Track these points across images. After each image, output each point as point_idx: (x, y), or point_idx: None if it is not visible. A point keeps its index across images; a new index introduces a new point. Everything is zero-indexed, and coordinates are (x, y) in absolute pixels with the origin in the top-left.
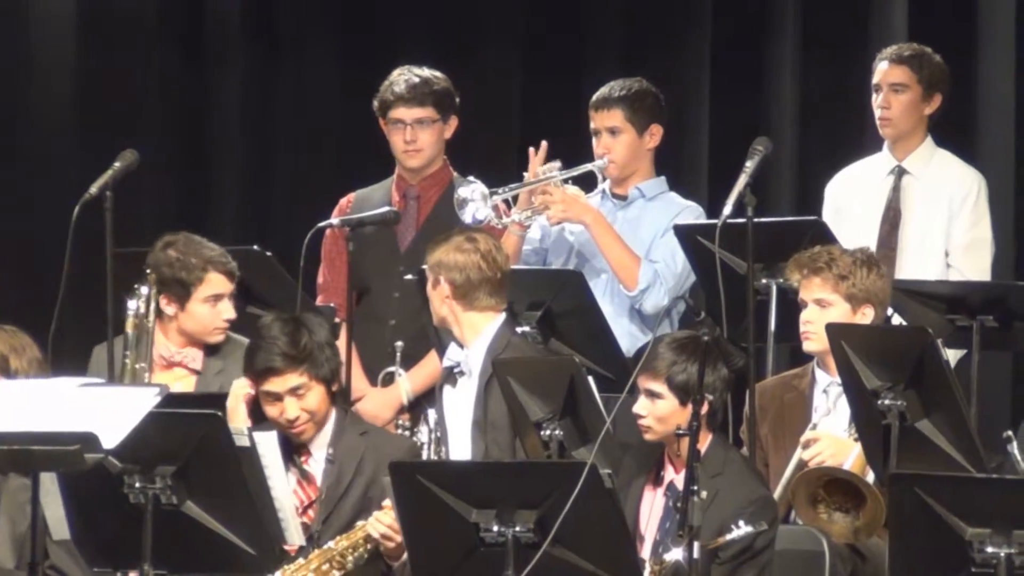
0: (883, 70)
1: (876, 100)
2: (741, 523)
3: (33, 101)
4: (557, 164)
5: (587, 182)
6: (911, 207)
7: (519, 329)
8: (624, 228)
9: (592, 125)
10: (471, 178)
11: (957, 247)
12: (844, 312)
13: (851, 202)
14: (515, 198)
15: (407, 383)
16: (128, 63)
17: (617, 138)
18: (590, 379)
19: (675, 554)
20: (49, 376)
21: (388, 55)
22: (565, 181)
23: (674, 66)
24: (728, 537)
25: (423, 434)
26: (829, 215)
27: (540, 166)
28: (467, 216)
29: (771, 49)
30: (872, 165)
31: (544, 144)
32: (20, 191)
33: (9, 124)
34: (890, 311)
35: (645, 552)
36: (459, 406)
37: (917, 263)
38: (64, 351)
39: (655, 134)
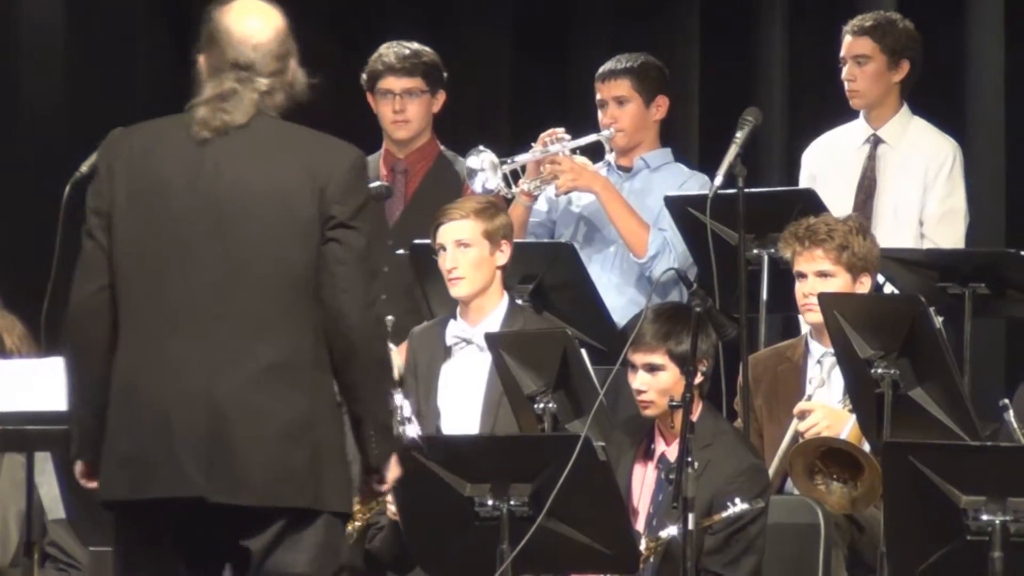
0: (847, 43)
1: (843, 73)
2: (738, 500)
3: (24, 86)
4: (566, 135)
5: (592, 156)
6: (886, 176)
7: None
8: (630, 199)
9: (598, 96)
10: (480, 147)
11: (931, 217)
12: (845, 282)
13: (826, 170)
14: (523, 168)
15: (398, 358)
16: (117, 42)
17: (624, 108)
18: (583, 351)
19: (670, 531)
20: (40, 354)
21: (376, 32)
22: (573, 151)
23: (663, 38)
24: (724, 514)
25: (406, 409)
26: (805, 182)
27: (548, 136)
28: (477, 186)
29: (760, 20)
30: (848, 133)
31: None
32: (11, 174)
33: (0, 108)
34: (881, 279)
35: (639, 526)
36: (461, 382)
37: (892, 232)
38: (56, 331)
39: (661, 105)
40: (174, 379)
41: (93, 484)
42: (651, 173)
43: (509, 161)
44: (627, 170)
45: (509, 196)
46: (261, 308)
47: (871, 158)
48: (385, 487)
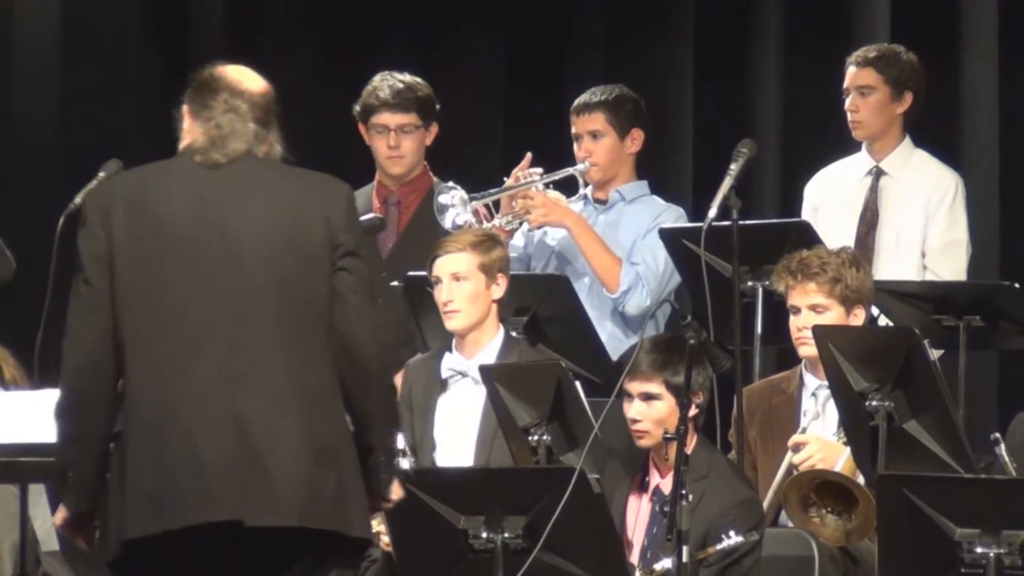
0: (850, 73)
1: (846, 104)
2: (732, 533)
3: (16, 112)
4: (538, 169)
5: (570, 189)
6: (888, 208)
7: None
8: (604, 231)
9: (573, 130)
10: (450, 183)
11: (932, 249)
12: (839, 315)
13: (828, 202)
14: (497, 203)
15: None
16: (112, 72)
17: (599, 142)
18: (577, 384)
19: (664, 564)
20: (33, 385)
21: (369, 61)
22: (547, 185)
23: (657, 69)
24: (718, 547)
25: (400, 441)
26: (807, 215)
27: (521, 171)
28: (447, 222)
29: (754, 52)
30: (850, 165)
31: (528, 155)
32: (3, 204)
33: None
34: (875, 312)
35: (633, 558)
36: (456, 415)
37: (893, 264)
38: (49, 363)
39: (636, 138)
40: (199, 407)
41: (79, 536)
42: (626, 206)
43: (479, 196)
44: (603, 203)
45: None
46: (277, 336)
47: (873, 190)
48: (388, 506)
